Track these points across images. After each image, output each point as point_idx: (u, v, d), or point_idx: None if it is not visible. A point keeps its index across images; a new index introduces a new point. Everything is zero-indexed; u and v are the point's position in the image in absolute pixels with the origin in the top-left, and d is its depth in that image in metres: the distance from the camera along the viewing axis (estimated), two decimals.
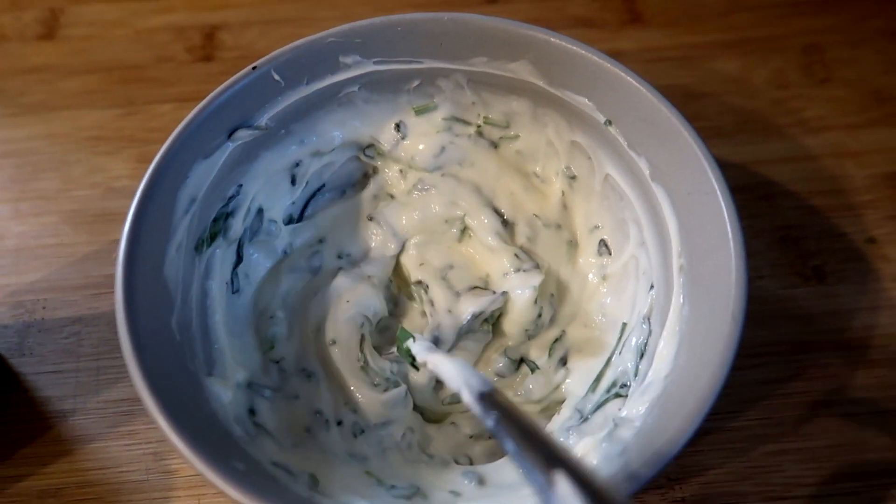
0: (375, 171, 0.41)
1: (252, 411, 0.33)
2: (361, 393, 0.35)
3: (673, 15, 0.55)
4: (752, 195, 0.45)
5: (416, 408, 0.37)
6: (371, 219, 0.40)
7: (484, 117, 0.40)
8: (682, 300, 0.32)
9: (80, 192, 0.49)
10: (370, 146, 0.40)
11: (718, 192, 0.30)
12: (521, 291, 0.36)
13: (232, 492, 0.25)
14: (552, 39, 0.35)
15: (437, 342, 0.36)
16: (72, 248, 0.47)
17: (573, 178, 0.39)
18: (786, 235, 0.44)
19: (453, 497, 0.32)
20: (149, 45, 0.56)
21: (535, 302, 0.37)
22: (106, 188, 0.49)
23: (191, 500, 0.38)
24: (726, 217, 0.29)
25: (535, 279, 0.36)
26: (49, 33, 0.57)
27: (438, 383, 0.37)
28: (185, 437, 0.26)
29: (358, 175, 0.41)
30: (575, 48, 0.35)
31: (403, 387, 0.36)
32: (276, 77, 0.36)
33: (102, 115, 0.52)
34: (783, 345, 0.40)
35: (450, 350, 0.37)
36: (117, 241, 0.46)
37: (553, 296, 0.38)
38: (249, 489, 0.25)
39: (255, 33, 0.56)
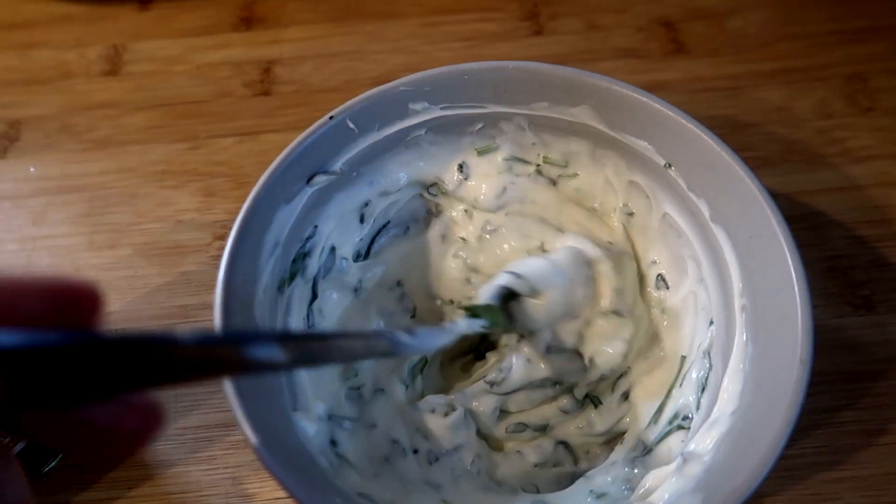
0: (439, 209, 0.43)
1: (334, 442, 0.35)
2: (428, 419, 0.37)
3: (716, 45, 0.56)
4: (799, 225, 0.47)
5: (480, 435, 0.39)
6: (455, 256, 0.42)
7: (544, 157, 0.41)
8: (745, 338, 0.33)
9: (150, 224, 0.51)
10: (433, 185, 0.42)
11: (781, 238, 0.31)
12: (609, 349, 0.37)
13: None
14: (613, 87, 0.37)
15: (494, 383, 0.38)
16: (145, 279, 0.49)
17: (631, 214, 0.41)
18: (834, 265, 0.45)
19: None
20: (208, 81, 0.58)
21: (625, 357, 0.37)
22: (174, 221, 0.51)
23: None
24: (790, 262, 0.31)
25: (626, 330, 0.38)
26: (113, 70, 0.60)
27: (503, 412, 0.39)
28: (284, 472, 0.28)
29: (422, 213, 0.43)
30: (636, 95, 0.36)
31: (461, 409, 0.38)
32: (351, 125, 0.38)
33: (167, 150, 0.55)
34: (835, 374, 0.42)
35: (508, 393, 0.38)
36: (187, 273, 0.49)
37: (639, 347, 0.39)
38: None
39: (310, 67, 0.58)
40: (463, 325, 0.34)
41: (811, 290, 0.30)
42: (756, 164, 0.48)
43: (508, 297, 0.37)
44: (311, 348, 0.25)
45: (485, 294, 0.37)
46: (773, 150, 0.50)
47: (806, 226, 0.47)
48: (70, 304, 0.20)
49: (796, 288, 0.30)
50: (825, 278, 0.45)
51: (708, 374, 0.35)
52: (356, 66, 0.58)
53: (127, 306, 0.48)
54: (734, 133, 0.51)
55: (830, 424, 0.40)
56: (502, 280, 0.37)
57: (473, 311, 0.36)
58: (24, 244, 0.51)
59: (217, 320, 0.32)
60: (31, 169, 0.55)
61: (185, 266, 0.50)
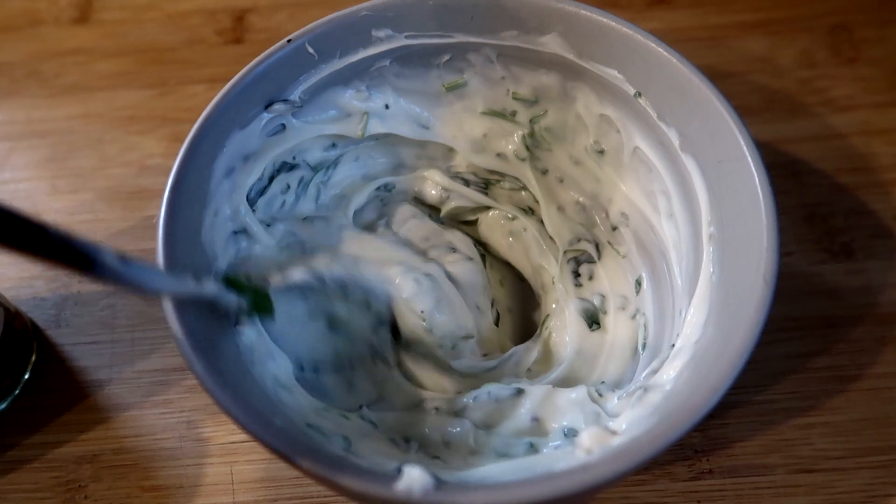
0: None
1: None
2: None
3: None
4: (779, 173, 0.45)
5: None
6: None
7: (513, 93, 0.40)
8: (711, 268, 0.32)
9: (115, 169, 0.50)
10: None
11: (749, 158, 0.30)
12: None
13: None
14: (582, 12, 0.35)
15: None
16: (107, 223, 0.48)
17: (601, 152, 0.39)
18: (813, 213, 0.44)
19: None
20: (180, 28, 0.57)
21: None
22: (140, 166, 0.50)
23: (224, 467, 0.39)
24: (757, 182, 0.29)
25: None
26: (83, 17, 0.58)
27: None
28: (228, 394, 0.27)
29: None
30: (605, 20, 0.35)
31: None
32: (311, 50, 0.36)
33: (136, 96, 0.53)
34: (811, 320, 0.41)
35: None
36: (151, 217, 0.48)
37: None
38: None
39: (284, 16, 0.57)
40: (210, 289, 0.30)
41: (778, 210, 0.29)
42: (738, 111, 0.47)
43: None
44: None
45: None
46: (755, 100, 0.49)
47: (786, 173, 0.45)
48: None
49: (763, 206, 0.29)
50: (804, 226, 0.44)
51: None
52: None
53: None
54: (716, 82, 0.48)
55: (804, 370, 0.39)
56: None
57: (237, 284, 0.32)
58: None
59: (159, 241, 0.31)
60: None
61: (149, 210, 0.48)
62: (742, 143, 0.30)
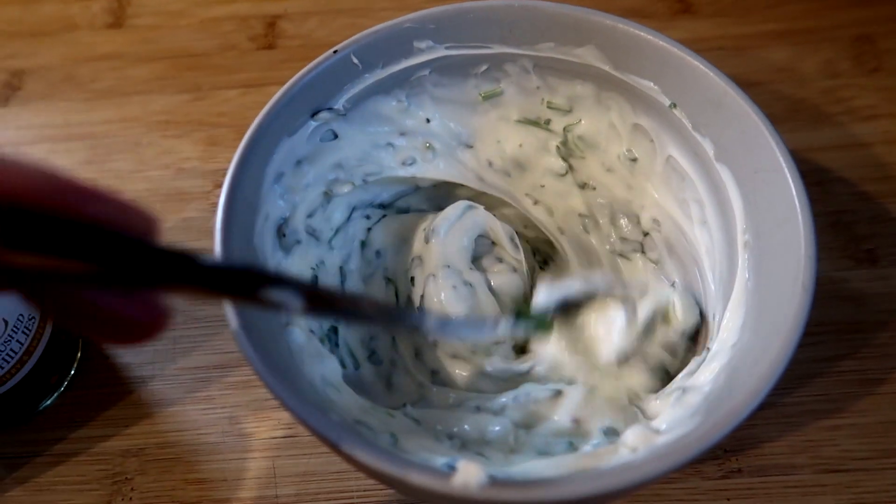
0: None
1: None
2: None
3: (722, 5, 0.56)
4: (804, 181, 0.46)
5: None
6: None
7: (548, 102, 0.41)
8: (747, 275, 0.33)
9: (153, 172, 0.51)
10: None
11: (785, 169, 0.31)
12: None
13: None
14: (620, 25, 0.36)
15: None
16: None
17: (634, 160, 0.41)
18: (838, 220, 0.45)
19: None
20: (213, 34, 0.58)
21: None
22: (176, 169, 0.51)
23: (265, 462, 0.40)
24: (794, 191, 0.31)
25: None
26: (117, 22, 0.60)
27: None
28: (286, 390, 0.28)
29: None
30: (642, 33, 0.36)
31: None
32: (355, 60, 0.37)
33: (171, 101, 0.55)
34: (837, 325, 0.42)
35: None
36: (189, 219, 0.49)
37: None
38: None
39: (315, 23, 0.58)
40: (504, 328, 0.35)
41: (814, 219, 0.30)
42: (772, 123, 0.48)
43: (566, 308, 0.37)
44: (332, 304, 0.26)
45: (544, 299, 0.36)
46: (779, 109, 0.50)
47: (811, 181, 0.46)
48: (129, 221, 0.21)
49: (800, 216, 0.30)
50: (829, 233, 0.45)
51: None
52: (362, 22, 0.58)
53: None
54: None
55: (830, 374, 0.40)
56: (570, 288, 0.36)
57: (525, 316, 0.35)
58: None
59: (217, 245, 0.32)
60: (34, 118, 0.54)
61: (187, 213, 0.50)
62: (778, 154, 0.32)
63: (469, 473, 0.26)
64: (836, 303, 0.42)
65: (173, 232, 0.49)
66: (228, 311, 0.29)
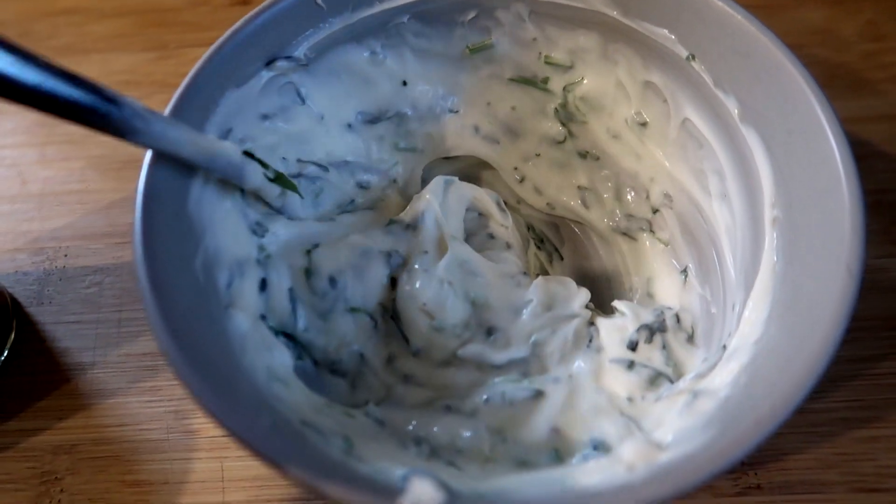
0: None
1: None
2: None
3: None
4: None
5: None
6: None
7: (545, 56, 0.36)
8: (775, 257, 0.27)
9: (108, 137, 0.46)
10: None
11: (828, 128, 0.26)
12: None
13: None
14: None
15: None
16: (97, 194, 0.44)
17: (644, 124, 0.35)
18: (880, 200, 0.40)
19: None
20: None
21: None
22: None
23: (214, 462, 0.35)
24: (838, 156, 0.25)
25: None
26: None
27: None
28: (206, 387, 0.23)
29: None
30: None
31: None
32: (319, 1, 0.32)
33: (134, 59, 0.50)
34: (874, 320, 0.36)
35: None
36: None
37: None
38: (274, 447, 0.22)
39: None
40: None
41: (863, 188, 0.24)
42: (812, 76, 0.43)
43: None
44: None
45: None
46: (815, 75, 0.43)
47: None
48: None
49: (845, 185, 0.24)
50: (869, 214, 0.39)
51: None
52: None
53: (76, 222, 0.43)
54: None
55: (866, 376, 0.35)
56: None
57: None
58: None
59: (137, 213, 0.27)
60: None
61: None
62: (819, 111, 0.26)
63: (422, 492, 0.21)
64: (874, 294, 0.37)
65: (129, 202, 0.44)
66: (143, 281, 0.25)
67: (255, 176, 0.30)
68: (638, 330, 0.32)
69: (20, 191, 0.45)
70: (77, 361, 0.38)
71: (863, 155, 0.41)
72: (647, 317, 0.32)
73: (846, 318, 0.22)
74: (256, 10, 0.31)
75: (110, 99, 0.25)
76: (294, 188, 0.32)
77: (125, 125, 0.26)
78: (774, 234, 0.28)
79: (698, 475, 0.21)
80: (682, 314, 0.33)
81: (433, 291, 0.33)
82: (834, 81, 0.44)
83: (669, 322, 0.32)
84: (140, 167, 0.44)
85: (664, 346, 0.32)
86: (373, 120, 0.36)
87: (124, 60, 0.50)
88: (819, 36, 0.46)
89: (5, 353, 0.38)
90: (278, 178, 0.31)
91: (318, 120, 0.34)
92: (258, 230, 0.31)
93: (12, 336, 0.39)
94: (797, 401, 0.21)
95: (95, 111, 0.25)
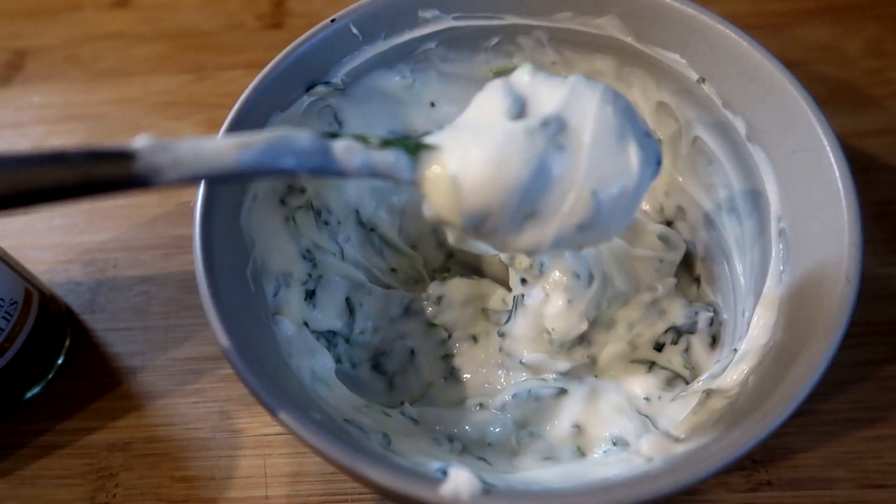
0: None
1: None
2: None
3: None
4: None
5: None
6: None
7: None
8: (781, 267, 0.29)
9: (144, 192, 0.49)
10: None
11: (828, 147, 0.28)
12: None
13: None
14: None
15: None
16: (143, 209, 0.47)
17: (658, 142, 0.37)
18: (883, 211, 0.41)
19: None
20: (218, 13, 0.56)
21: None
22: None
23: (257, 460, 0.38)
24: (837, 173, 0.27)
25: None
26: (122, 2, 0.58)
27: None
28: (264, 385, 0.25)
29: None
30: (668, 0, 0.33)
31: None
32: (354, 31, 0.35)
33: (173, 81, 0.53)
34: (880, 326, 0.38)
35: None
36: (187, 203, 0.47)
37: None
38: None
39: (323, 1, 0.56)
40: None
41: (860, 203, 0.26)
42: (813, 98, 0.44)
43: None
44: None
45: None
46: (819, 91, 0.45)
47: (853, 169, 0.42)
48: None
49: (844, 200, 0.26)
50: (872, 226, 0.41)
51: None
52: None
53: (123, 234, 0.46)
54: None
55: (872, 379, 0.37)
56: None
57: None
58: None
59: (196, 226, 0.30)
60: (35, 98, 0.53)
61: (185, 196, 0.47)
62: (820, 131, 0.28)
63: (460, 481, 0.23)
64: (879, 302, 0.38)
65: (171, 216, 0.47)
66: (205, 298, 0.27)
67: (349, 154, 0.23)
68: (666, 331, 0.34)
69: (70, 206, 0.47)
70: (127, 365, 0.41)
71: (867, 168, 0.43)
72: (679, 318, 0.34)
73: (845, 323, 0.24)
74: (298, 40, 0.34)
75: (115, 153, 0.20)
76: (416, 146, 0.23)
77: (147, 167, 0.21)
78: (780, 246, 0.30)
79: (710, 465, 0.23)
80: (718, 316, 0.35)
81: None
82: (838, 97, 0.46)
83: (702, 324, 0.34)
84: None
85: (686, 350, 0.34)
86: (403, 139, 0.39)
87: (164, 82, 0.53)
88: (824, 53, 0.48)
89: (61, 358, 0.41)
90: (388, 144, 0.23)
91: None
92: (307, 256, 0.34)
93: (67, 342, 0.41)
94: (799, 399, 0.23)
95: (103, 175, 0.20)
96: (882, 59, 0.47)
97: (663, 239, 0.35)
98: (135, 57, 0.54)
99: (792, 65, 0.47)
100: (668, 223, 0.38)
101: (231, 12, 0.56)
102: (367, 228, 0.39)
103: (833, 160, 0.27)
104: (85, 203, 0.47)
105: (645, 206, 0.39)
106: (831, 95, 0.46)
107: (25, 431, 0.39)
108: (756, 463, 0.35)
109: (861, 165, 0.43)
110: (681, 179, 0.37)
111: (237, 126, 0.32)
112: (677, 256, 0.36)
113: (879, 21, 0.48)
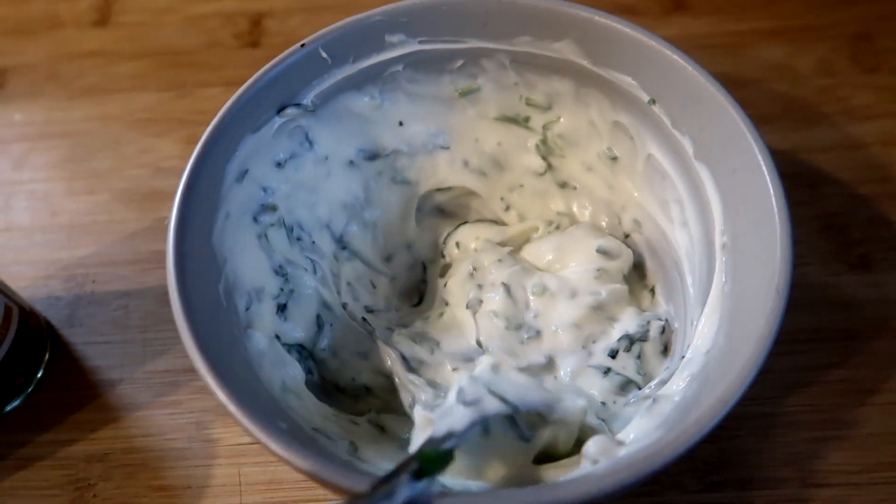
0: None
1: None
2: None
3: (717, 3, 0.54)
4: (796, 183, 0.45)
5: None
6: None
7: (526, 98, 0.40)
8: (724, 278, 0.31)
9: (131, 171, 0.51)
10: None
11: (764, 168, 0.30)
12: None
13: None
14: (597, 18, 0.35)
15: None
16: (122, 224, 0.48)
17: (615, 159, 0.39)
18: (830, 223, 0.43)
19: None
20: (198, 32, 0.57)
21: None
22: (155, 168, 0.51)
23: (232, 468, 0.39)
24: (772, 192, 0.29)
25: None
26: (103, 20, 0.59)
27: None
28: (233, 397, 0.27)
29: None
30: (619, 26, 0.35)
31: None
32: (324, 55, 0.36)
33: (153, 98, 0.54)
34: (827, 332, 0.40)
35: None
36: (165, 219, 0.48)
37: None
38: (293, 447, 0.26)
39: (300, 20, 0.57)
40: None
41: (792, 221, 0.28)
42: (755, 120, 0.46)
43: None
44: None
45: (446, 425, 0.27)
46: (773, 108, 0.48)
47: (803, 183, 0.45)
48: None
49: (777, 217, 0.28)
50: (821, 236, 0.43)
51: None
52: None
53: (103, 250, 0.47)
54: (733, 90, 0.47)
55: (819, 383, 0.38)
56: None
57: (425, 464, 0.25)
58: (1, 188, 0.50)
59: (170, 244, 0.31)
60: (16, 116, 0.54)
61: (164, 212, 0.49)
62: (757, 152, 0.30)
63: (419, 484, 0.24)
64: (826, 309, 0.40)
65: (150, 231, 0.48)
66: (178, 315, 0.28)
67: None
68: (619, 339, 0.36)
69: (51, 222, 0.49)
70: (106, 378, 0.42)
71: (816, 182, 0.45)
72: (631, 326, 0.36)
73: (775, 332, 0.26)
74: (269, 64, 0.36)
75: None
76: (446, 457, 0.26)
77: None
78: (723, 258, 0.32)
79: (649, 466, 0.24)
80: (668, 324, 0.36)
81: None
82: (790, 114, 0.48)
83: (653, 332, 0.36)
84: (159, 200, 0.49)
85: (639, 356, 0.36)
86: (372, 157, 0.40)
87: (145, 99, 0.54)
88: (778, 71, 0.50)
89: (41, 372, 0.42)
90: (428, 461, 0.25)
91: (322, 161, 0.38)
92: (280, 271, 0.36)
93: (47, 356, 0.43)
94: (731, 403, 0.25)
95: None
96: (832, 78, 0.49)
97: (602, 251, 0.37)
98: (115, 74, 0.55)
99: (747, 83, 0.50)
100: (626, 235, 0.40)
101: (210, 31, 0.57)
102: (340, 246, 0.40)
103: (769, 180, 0.29)
104: (64, 219, 0.48)
105: (603, 220, 0.41)
106: (784, 112, 0.48)
107: (5, 444, 0.40)
108: (708, 465, 0.37)
109: (811, 180, 0.45)
110: (636, 195, 0.38)
111: (210, 147, 0.33)
112: (621, 264, 0.38)
113: (830, 42, 0.51)
